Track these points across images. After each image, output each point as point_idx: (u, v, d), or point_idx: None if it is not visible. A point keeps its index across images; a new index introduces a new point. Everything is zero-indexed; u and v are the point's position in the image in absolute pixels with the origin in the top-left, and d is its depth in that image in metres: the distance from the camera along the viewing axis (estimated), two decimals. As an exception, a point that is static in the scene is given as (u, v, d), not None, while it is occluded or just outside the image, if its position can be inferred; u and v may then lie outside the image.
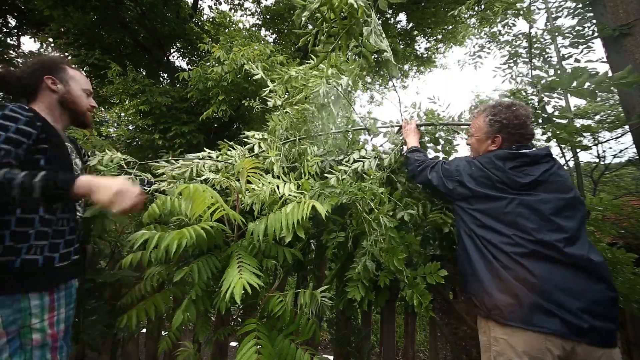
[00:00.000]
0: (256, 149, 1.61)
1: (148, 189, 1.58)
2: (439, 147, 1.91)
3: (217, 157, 1.59)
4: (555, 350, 1.00)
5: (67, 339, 1.14)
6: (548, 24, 2.90)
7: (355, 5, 0.95)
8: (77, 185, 0.99)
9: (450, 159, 1.76)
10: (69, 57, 1.45)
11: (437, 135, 1.91)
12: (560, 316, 1.00)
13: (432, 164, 1.45)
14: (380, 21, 1.07)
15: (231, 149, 1.70)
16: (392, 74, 1.21)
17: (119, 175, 1.08)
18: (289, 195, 1.29)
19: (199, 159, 1.62)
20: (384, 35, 1.09)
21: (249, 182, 1.39)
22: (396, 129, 1.89)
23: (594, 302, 1.02)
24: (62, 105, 1.25)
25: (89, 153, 1.51)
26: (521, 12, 2.38)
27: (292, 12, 8.93)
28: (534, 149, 1.27)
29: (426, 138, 1.90)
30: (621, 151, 7.60)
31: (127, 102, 6.49)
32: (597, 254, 1.09)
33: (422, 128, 1.84)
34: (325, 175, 1.70)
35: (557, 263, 1.06)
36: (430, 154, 1.93)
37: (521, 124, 1.27)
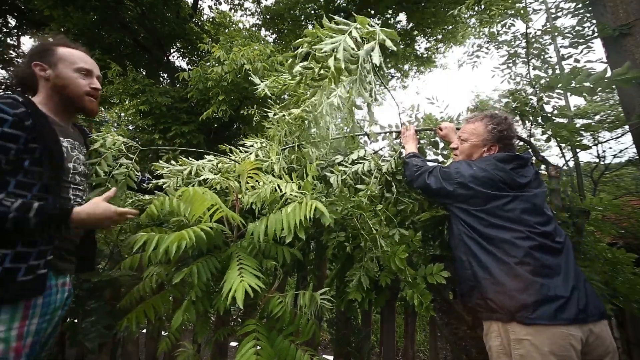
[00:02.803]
0: (252, 157, 1.61)
1: (147, 185, 1.57)
2: (439, 151, 1.92)
3: (217, 163, 1.59)
4: (577, 345, 1.02)
5: (31, 359, 0.97)
6: (547, 24, 2.90)
7: (333, 69, 0.93)
8: (74, 219, 0.97)
9: (447, 162, 1.77)
10: (64, 37, 1.29)
11: (436, 139, 1.92)
12: (574, 302, 1.05)
13: (430, 169, 1.45)
14: (368, 63, 1.06)
15: (231, 154, 1.70)
16: (370, 120, 1.24)
17: (98, 200, 1.05)
18: (291, 195, 1.29)
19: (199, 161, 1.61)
20: (370, 78, 1.06)
21: (248, 182, 1.39)
22: (395, 134, 1.89)
23: (583, 279, 1.13)
24: (55, 91, 1.11)
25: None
26: (519, 13, 2.39)
27: (292, 12, 8.93)
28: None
29: (424, 141, 1.91)
30: (621, 151, 7.59)
31: (127, 102, 6.49)
32: (563, 232, 1.24)
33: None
34: (325, 173, 1.71)
35: (556, 252, 1.14)
36: (430, 156, 1.94)
37: (513, 137, 1.40)
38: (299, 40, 1.02)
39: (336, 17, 1.02)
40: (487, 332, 1.19)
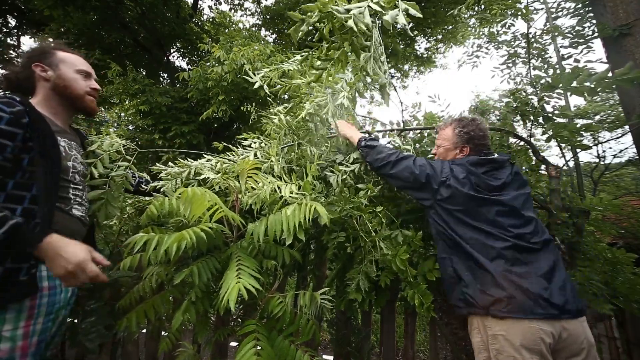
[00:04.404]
0: (251, 157, 1.61)
1: (145, 188, 1.57)
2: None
3: (216, 163, 1.58)
4: (547, 339, 1.06)
5: (37, 358, 0.97)
6: (548, 24, 2.90)
7: (355, 28, 0.84)
8: (41, 247, 0.89)
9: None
10: (62, 42, 1.32)
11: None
12: (548, 299, 1.09)
13: (413, 157, 1.42)
14: (380, 43, 0.97)
15: (229, 153, 1.69)
16: (384, 101, 1.17)
17: (83, 247, 0.94)
18: (290, 196, 1.29)
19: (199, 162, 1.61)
20: (383, 58, 1.00)
21: (248, 182, 1.39)
22: (396, 131, 1.89)
23: (563, 278, 1.16)
24: (56, 92, 1.15)
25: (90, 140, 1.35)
26: (519, 13, 2.39)
27: (292, 12, 8.90)
28: (496, 155, 1.42)
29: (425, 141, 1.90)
30: (621, 151, 7.60)
31: (127, 102, 6.49)
32: (546, 232, 1.26)
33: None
34: (326, 173, 1.70)
35: (531, 252, 1.18)
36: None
37: (484, 136, 1.42)
38: (308, 4, 0.91)
39: None
40: (470, 328, 1.24)
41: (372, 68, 0.97)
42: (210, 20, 9.37)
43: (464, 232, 1.24)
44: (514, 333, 1.08)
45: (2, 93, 1.16)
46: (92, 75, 1.23)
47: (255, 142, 1.71)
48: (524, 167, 1.85)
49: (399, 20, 0.85)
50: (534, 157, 1.82)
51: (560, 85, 1.50)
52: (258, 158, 1.62)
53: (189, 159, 1.64)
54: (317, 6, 0.90)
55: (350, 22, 0.84)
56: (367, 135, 1.62)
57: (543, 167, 1.78)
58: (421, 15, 0.88)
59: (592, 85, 1.38)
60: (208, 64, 5.38)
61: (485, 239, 1.20)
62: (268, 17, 9.40)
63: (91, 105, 1.22)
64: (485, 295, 1.14)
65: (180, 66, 9.09)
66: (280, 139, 1.65)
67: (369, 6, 0.86)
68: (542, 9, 2.94)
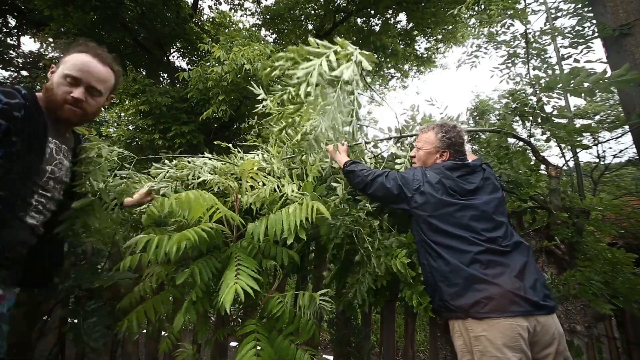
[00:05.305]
0: (255, 158, 1.61)
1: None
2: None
3: (215, 167, 1.58)
4: (524, 334, 1.11)
5: None
6: (547, 24, 2.89)
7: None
8: None
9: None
10: (93, 44, 1.23)
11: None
12: (522, 297, 1.13)
13: (386, 173, 1.47)
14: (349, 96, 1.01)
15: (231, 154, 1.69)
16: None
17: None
18: (291, 195, 1.29)
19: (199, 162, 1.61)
20: (353, 99, 1.03)
21: (247, 182, 1.39)
22: (394, 139, 1.89)
23: (534, 277, 1.20)
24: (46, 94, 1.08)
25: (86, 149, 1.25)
26: (517, 14, 2.39)
27: (292, 12, 8.93)
28: (470, 161, 1.46)
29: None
30: (621, 151, 7.59)
31: (127, 102, 6.50)
32: (518, 236, 1.31)
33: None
34: (337, 179, 1.71)
35: (503, 254, 1.22)
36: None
37: (463, 143, 1.48)
38: (280, 54, 0.97)
39: (318, 41, 0.94)
40: (451, 333, 1.26)
41: (333, 114, 0.97)
42: (210, 20, 9.39)
43: (440, 238, 1.27)
44: (494, 333, 1.11)
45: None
46: (81, 82, 1.07)
47: (258, 155, 1.71)
48: (522, 169, 1.85)
49: (345, 73, 0.87)
50: (533, 157, 1.83)
51: (559, 86, 1.50)
52: (260, 160, 1.62)
53: (193, 159, 1.64)
54: (287, 57, 0.96)
55: (302, 88, 0.86)
56: (350, 160, 1.64)
57: (543, 167, 1.78)
58: (370, 68, 0.92)
59: (590, 86, 1.38)
60: (208, 64, 5.38)
61: (460, 245, 1.23)
62: (268, 17, 9.41)
63: (66, 115, 1.06)
64: (463, 299, 1.17)
65: (180, 66, 9.11)
66: (281, 154, 1.67)
67: (321, 65, 0.87)
68: (541, 10, 2.94)
